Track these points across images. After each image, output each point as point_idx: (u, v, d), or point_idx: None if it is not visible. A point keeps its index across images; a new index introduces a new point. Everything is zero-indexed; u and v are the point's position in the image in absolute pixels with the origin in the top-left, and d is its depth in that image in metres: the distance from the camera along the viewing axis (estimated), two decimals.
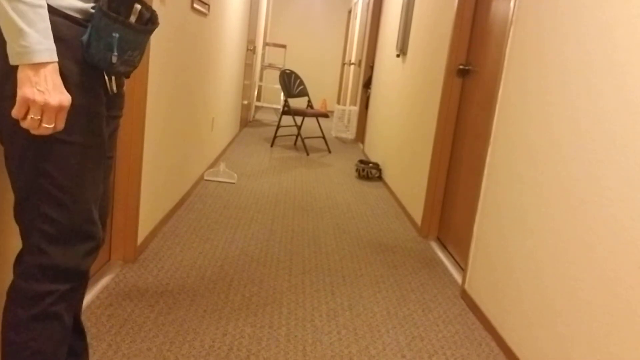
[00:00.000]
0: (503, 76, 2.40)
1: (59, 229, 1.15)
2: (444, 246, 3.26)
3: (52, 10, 1.05)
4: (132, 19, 1.15)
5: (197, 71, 3.47)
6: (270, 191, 4.15)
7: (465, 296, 2.53)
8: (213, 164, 4.62)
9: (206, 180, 4.19)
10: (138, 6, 1.15)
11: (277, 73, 9.51)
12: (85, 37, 1.09)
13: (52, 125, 1.03)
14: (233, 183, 4.23)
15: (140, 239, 2.56)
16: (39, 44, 0.99)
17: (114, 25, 1.10)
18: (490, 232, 2.36)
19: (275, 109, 9.89)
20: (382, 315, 2.29)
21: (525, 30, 2.24)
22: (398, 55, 4.87)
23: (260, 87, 9.35)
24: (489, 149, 2.47)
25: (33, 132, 1.03)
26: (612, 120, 1.59)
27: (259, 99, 9.38)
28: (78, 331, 1.40)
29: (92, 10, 1.10)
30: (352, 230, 3.40)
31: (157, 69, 2.51)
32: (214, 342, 1.92)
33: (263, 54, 9.21)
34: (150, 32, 1.20)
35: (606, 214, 1.57)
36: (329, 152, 6.37)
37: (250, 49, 6.72)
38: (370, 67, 6.76)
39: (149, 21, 1.20)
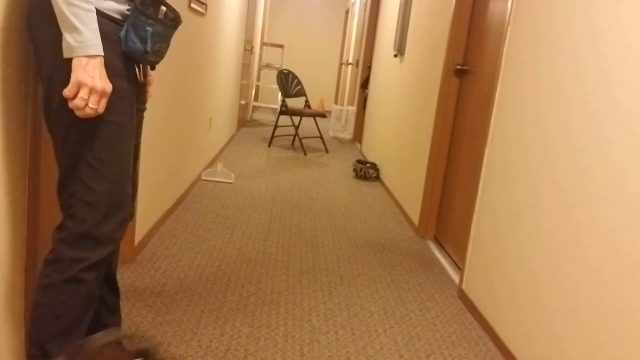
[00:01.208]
0: (500, 76, 2.41)
1: (99, 198, 1.31)
2: (441, 246, 3.27)
3: (98, 12, 1.24)
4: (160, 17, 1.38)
5: (194, 71, 3.47)
6: (268, 191, 4.15)
7: (462, 296, 2.54)
8: (210, 164, 4.62)
9: (204, 180, 4.19)
10: (164, 8, 1.37)
11: (274, 73, 9.51)
12: (122, 33, 1.30)
13: (96, 107, 1.22)
14: (230, 183, 4.23)
15: (138, 239, 2.56)
16: (91, 40, 1.20)
17: (147, 21, 1.31)
18: (487, 232, 2.37)
19: (273, 109, 9.89)
20: (380, 315, 2.29)
21: (522, 30, 2.24)
22: (395, 56, 4.87)
23: (257, 87, 9.34)
24: (486, 149, 2.47)
25: (78, 113, 1.21)
26: (603, 120, 1.60)
27: (256, 98, 9.38)
28: (113, 289, 1.57)
29: (127, 12, 1.31)
30: (350, 230, 3.40)
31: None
32: (212, 342, 1.92)
33: (260, 54, 9.20)
34: (176, 27, 1.41)
35: (601, 214, 1.57)
36: (327, 152, 6.37)
37: (248, 49, 6.71)
38: (367, 67, 6.77)
39: (173, 20, 1.40)
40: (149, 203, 2.71)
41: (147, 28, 1.31)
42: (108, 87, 1.24)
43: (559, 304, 1.75)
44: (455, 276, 2.80)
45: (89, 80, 1.20)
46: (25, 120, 1.42)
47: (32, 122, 1.44)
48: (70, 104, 1.21)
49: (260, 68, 9.32)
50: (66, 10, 1.17)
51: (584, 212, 1.66)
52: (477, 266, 2.43)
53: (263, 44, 9.46)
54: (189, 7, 3.05)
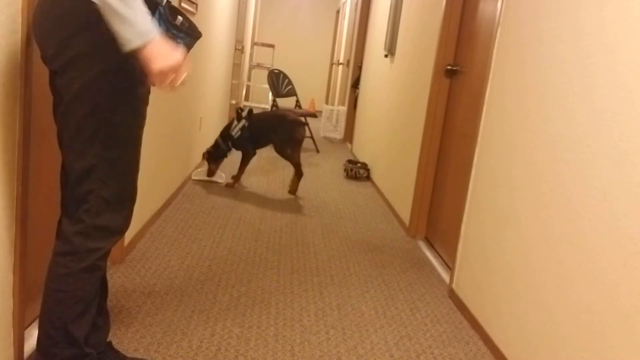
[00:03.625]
0: (490, 77, 2.42)
1: (114, 194, 1.40)
2: (431, 246, 3.28)
3: None
4: None
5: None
6: (259, 191, 4.14)
7: (452, 295, 2.55)
8: (201, 164, 4.60)
9: (194, 180, 4.17)
10: (180, 18, 1.43)
11: (265, 73, 9.50)
12: None
13: (182, 77, 1.28)
14: (221, 183, 4.21)
15: (128, 239, 2.54)
16: (141, 25, 1.19)
17: (179, 34, 1.38)
18: (477, 232, 2.38)
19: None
20: (370, 315, 2.29)
21: (511, 31, 2.25)
22: (386, 56, 4.88)
23: (248, 87, 9.33)
24: (476, 149, 2.49)
25: (170, 90, 1.29)
26: (584, 125, 1.61)
27: (247, 98, 9.36)
28: (103, 289, 1.59)
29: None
30: (340, 230, 3.41)
31: None
32: (202, 342, 1.92)
33: (251, 54, 9.19)
34: (199, 38, 1.49)
35: (592, 214, 1.59)
36: (317, 152, 6.37)
37: (239, 49, 6.70)
38: (358, 67, 6.77)
39: (189, 29, 1.45)
40: (139, 203, 2.68)
41: (179, 41, 1.38)
42: (179, 56, 1.25)
43: (551, 303, 1.76)
44: (445, 276, 2.81)
45: (163, 64, 1.22)
46: (14, 122, 1.41)
47: (21, 124, 1.43)
48: (165, 85, 1.27)
49: (251, 68, 9.30)
50: (120, 7, 1.18)
51: (577, 211, 1.68)
52: (467, 266, 2.45)
53: (254, 43, 9.45)
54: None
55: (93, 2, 1.18)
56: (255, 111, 4.27)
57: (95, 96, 1.31)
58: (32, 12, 1.36)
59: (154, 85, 1.31)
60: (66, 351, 1.44)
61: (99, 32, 1.25)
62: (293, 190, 4.10)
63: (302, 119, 4.16)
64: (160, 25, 1.33)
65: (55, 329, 1.42)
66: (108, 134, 1.35)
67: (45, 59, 1.35)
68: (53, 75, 1.37)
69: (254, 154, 4.21)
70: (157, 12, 1.35)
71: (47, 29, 1.31)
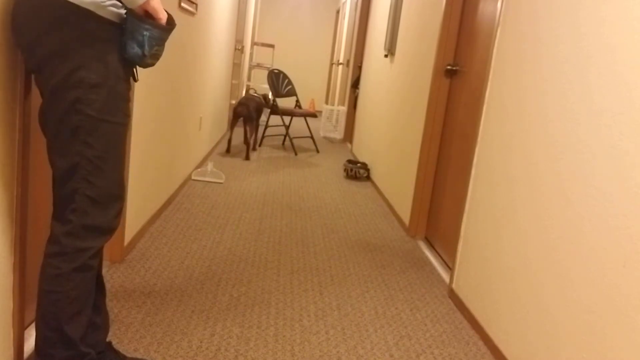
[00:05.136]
0: (490, 77, 2.42)
1: (100, 193, 1.40)
2: (431, 246, 3.28)
3: (100, 18, 1.31)
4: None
5: (184, 70, 3.46)
6: (258, 191, 4.14)
7: (452, 295, 2.55)
8: (201, 164, 4.60)
9: (194, 180, 4.17)
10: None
11: (265, 73, 9.49)
12: (123, 39, 1.36)
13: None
14: (221, 183, 4.21)
15: (128, 239, 2.54)
16: None
17: (144, 25, 1.36)
18: (477, 232, 2.38)
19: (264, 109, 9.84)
20: (370, 315, 2.29)
21: (511, 31, 2.25)
22: (386, 56, 4.88)
23: (248, 87, 9.32)
24: (476, 149, 2.49)
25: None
26: (583, 121, 1.61)
27: None
28: (100, 287, 1.59)
29: (124, 16, 1.36)
30: (340, 230, 3.41)
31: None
32: (202, 342, 1.92)
33: (251, 54, 9.18)
34: (171, 30, 1.46)
35: (592, 214, 1.58)
36: (317, 152, 6.36)
37: (239, 49, 6.70)
38: (358, 67, 6.77)
39: (168, 23, 1.45)
40: (139, 203, 2.69)
41: (145, 33, 1.37)
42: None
43: (551, 303, 1.76)
44: (445, 276, 2.81)
45: (161, 6, 1.39)
46: (14, 123, 1.41)
47: (20, 124, 1.43)
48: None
49: (250, 68, 9.30)
50: None
51: (577, 211, 1.68)
52: (467, 266, 2.45)
53: (254, 43, 9.44)
54: (179, 6, 3.03)
55: None
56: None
57: (71, 93, 1.31)
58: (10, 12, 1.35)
59: (161, 22, 1.39)
60: (63, 352, 1.44)
61: (71, 27, 1.26)
62: (246, 141, 5.52)
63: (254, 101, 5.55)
64: (126, 17, 1.34)
65: (51, 330, 1.42)
66: (89, 131, 1.35)
67: (24, 59, 1.36)
68: (35, 75, 1.37)
69: (245, 122, 5.37)
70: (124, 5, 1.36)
71: (19, 27, 1.31)
